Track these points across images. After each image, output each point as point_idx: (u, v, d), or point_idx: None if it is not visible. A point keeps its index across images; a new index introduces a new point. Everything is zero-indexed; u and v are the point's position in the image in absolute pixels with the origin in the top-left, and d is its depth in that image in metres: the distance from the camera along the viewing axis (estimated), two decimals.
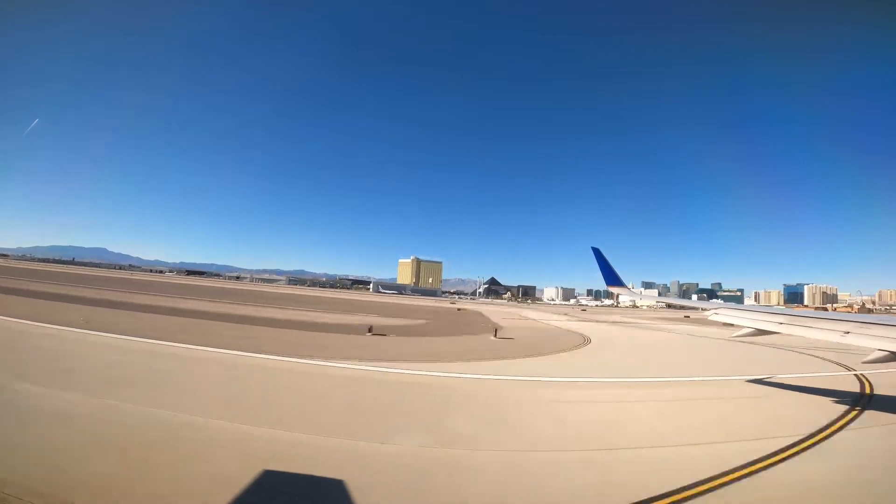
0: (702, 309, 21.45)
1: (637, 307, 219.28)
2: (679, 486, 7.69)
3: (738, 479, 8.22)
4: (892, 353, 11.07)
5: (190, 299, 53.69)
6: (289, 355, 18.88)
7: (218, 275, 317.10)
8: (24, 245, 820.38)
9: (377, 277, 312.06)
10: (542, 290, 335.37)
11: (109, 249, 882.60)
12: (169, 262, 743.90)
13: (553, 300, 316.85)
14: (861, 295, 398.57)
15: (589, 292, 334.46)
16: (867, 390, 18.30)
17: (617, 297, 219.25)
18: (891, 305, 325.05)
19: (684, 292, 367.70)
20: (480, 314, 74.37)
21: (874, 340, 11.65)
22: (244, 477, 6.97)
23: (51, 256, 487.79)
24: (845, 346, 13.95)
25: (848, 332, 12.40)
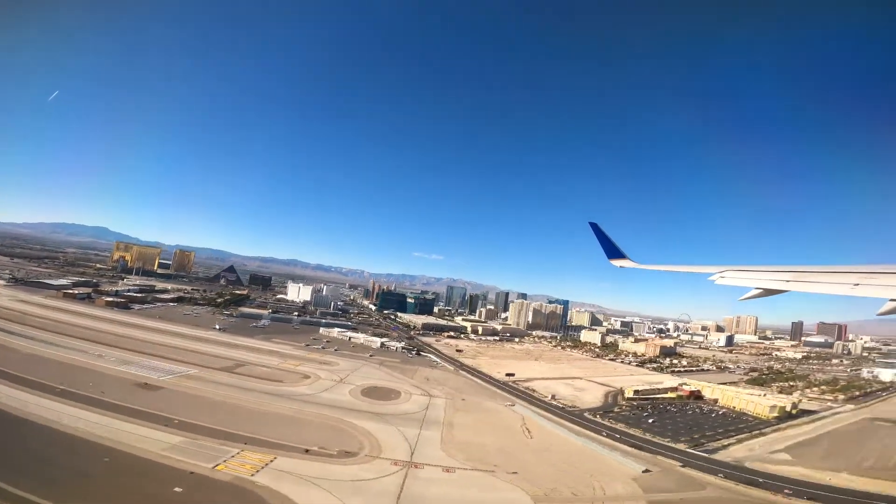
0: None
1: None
2: None
3: None
4: None
5: None
6: None
7: None
8: (31, 220, 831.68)
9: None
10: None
11: (110, 229, 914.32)
12: (167, 243, 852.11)
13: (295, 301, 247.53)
14: (688, 320, 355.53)
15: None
16: None
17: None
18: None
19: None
20: None
21: (888, 290, 10.92)
22: None
23: (55, 233, 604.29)
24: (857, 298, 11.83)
25: (857, 284, 11.59)
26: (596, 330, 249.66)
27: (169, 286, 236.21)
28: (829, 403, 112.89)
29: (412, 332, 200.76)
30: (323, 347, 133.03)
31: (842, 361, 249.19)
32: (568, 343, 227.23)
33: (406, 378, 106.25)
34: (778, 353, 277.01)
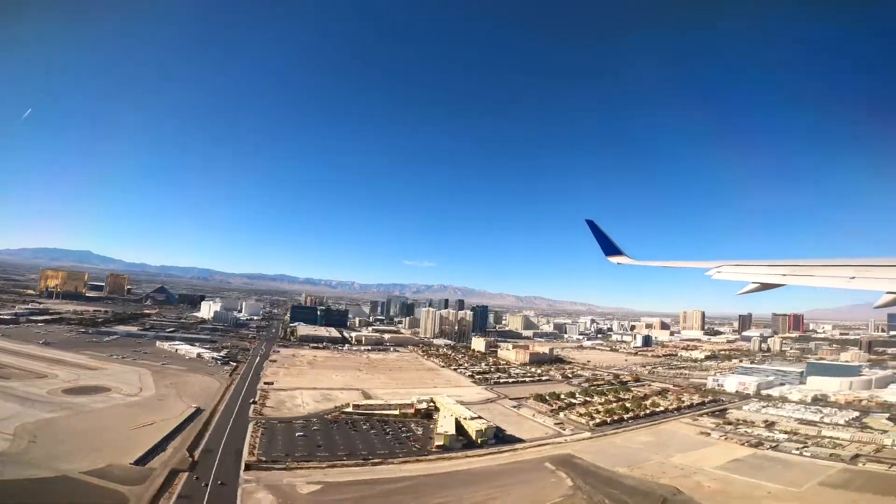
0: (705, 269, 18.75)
1: None
2: None
3: None
4: None
5: None
6: None
7: None
8: (13, 247, 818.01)
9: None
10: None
11: (94, 252, 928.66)
12: (152, 264, 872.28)
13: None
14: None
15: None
16: None
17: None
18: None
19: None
20: None
21: (883, 283, 10.85)
22: None
23: (36, 259, 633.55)
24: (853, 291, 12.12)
25: (854, 278, 11.60)
26: (483, 339, 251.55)
27: (73, 308, 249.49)
28: (568, 429, 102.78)
29: (276, 344, 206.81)
30: (124, 357, 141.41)
31: (741, 360, 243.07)
32: (448, 351, 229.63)
33: (149, 381, 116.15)
34: (687, 352, 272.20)
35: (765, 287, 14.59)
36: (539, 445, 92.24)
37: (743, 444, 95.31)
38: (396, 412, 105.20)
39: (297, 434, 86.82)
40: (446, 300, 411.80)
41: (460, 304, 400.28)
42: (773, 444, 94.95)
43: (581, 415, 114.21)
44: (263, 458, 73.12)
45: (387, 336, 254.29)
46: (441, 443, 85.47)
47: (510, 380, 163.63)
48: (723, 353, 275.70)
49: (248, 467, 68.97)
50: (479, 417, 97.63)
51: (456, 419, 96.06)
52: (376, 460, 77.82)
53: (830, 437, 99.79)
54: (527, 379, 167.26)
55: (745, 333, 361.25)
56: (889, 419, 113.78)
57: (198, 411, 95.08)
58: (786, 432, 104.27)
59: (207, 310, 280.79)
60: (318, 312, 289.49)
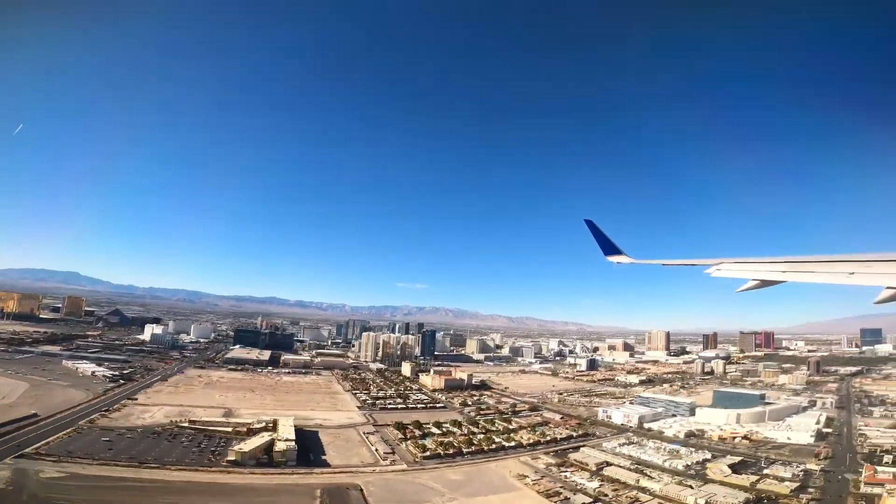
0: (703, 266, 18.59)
1: None
2: None
3: None
4: None
5: None
6: None
7: None
8: None
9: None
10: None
11: (82, 273, 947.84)
12: (140, 286, 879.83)
13: None
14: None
15: None
16: None
17: None
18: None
19: None
20: None
21: (883, 278, 10.97)
22: None
23: (22, 280, 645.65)
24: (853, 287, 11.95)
25: (853, 273, 11.71)
26: (409, 364, 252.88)
27: (15, 328, 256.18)
28: (389, 460, 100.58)
29: (194, 366, 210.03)
30: (18, 372, 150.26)
31: (672, 385, 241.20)
32: (371, 376, 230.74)
33: (18, 392, 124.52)
34: (627, 376, 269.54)
35: (765, 284, 14.57)
36: (340, 473, 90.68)
37: (541, 493, 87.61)
38: (229, 429, 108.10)
39: (103, 439, 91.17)
40: (407, 324, 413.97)
41: (419, 327, 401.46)
42: (567, 497, 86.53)
43: (417, 446, 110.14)
44: (42, 452, 79.59)
45: (318, 360, 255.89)
46: (232, 458, 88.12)
47: (401, 405, 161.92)
48: (664, 376, 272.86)
49: (21, 456, 76.01)
50: (290, 440, 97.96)
51: (272, 439, 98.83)
52: (153, 465, 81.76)
53: (638, 489, 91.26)
54: (419, 406, 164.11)
55: (702, 354, 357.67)
56: (730, 466, 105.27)
57: (33, 416, 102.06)
58: (604, 480, 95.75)
59: (149, 332, 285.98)
60: (261, 336, 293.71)
